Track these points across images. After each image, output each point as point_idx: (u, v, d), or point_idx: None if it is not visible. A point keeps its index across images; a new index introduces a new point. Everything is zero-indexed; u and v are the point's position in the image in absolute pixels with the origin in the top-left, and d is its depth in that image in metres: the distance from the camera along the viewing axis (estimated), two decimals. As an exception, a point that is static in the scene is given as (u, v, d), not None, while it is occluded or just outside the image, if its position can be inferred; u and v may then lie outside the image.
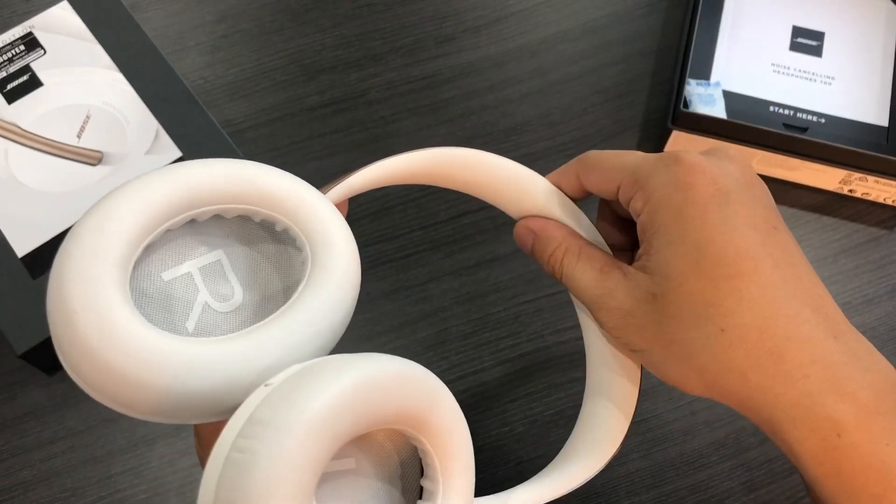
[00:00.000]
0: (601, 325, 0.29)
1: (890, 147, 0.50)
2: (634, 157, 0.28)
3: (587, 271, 0.29)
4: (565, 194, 0.32)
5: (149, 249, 0.26)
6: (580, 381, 0.48)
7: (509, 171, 0.33)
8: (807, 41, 0.54)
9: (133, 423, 0.46)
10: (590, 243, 0.31)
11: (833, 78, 0.53)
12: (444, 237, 0.51)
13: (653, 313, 0.26)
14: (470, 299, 0.49)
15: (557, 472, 0.32)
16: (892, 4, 0.55)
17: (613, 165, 0.29)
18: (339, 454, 0.24)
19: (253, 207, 0.27)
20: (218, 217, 0.28)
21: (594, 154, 0.30)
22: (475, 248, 0.51)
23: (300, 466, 0.20)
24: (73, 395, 0.47)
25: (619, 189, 0.28)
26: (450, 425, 0.25)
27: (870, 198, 0.52)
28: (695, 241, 0.25)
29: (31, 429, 0.46)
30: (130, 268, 0.24)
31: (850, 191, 0.52)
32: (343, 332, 0.27)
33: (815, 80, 0.53)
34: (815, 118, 0.51)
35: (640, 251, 0.28)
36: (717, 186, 0.26)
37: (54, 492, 0.45)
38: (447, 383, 0.49)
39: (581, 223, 0.32)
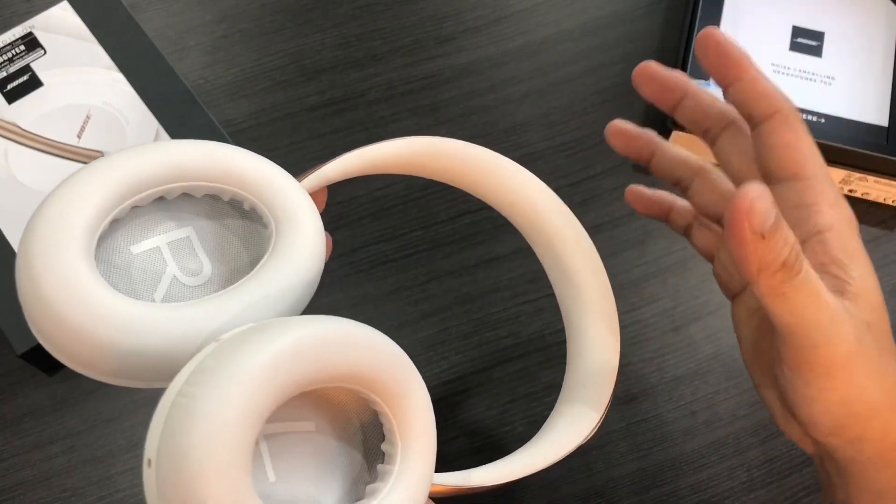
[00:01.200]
0: (837, 348, 0.24)
1: (890, 147, 0.50)
2: (816, 156, 0.27)
3: (817, 296, 0.24)
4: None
5: (116, 224, 0.27)
6: (580, 381, 0.48)
7: (481, 158, 0.33)
8: (807, 41, 0.54)
9: (133, 423, 0.46)
10: None
11: (833, 78, 0.53)
12: (444, 237, 0.51)
13: (874, 345, 0.24)
14: (470, 299, 0.49)
15: (528, 452, 0.32)
16: (892, 4, 0.55)
17: (801, 151, 0.27)
18: (298, 416, 0.25)
19: (220, 185, 0.28)
20: (187, 195, 0.28)
21: (791, 121, 0.27)
22: (475, 248, 0.51)
23: (241, 411, 0.21)
24: (74, 395, 0.47)
25: (795, 174, 0.26)
26: (406, 389, 0.25)
27: (870, 198, 0.52)
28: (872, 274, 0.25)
29: (30, 429, 0.46)
30: (96, 239, 0.25)
31: (851, 191, 0.52)
32: (304, 305, 0.28)
33: (814, 81, 0.53)
34: (814, 118, 0.51)
35: (821, 274, 0.24)
36: None
37: (54, 492, 0.45)
38: (447, 383, 0.49)
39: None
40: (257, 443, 0.24)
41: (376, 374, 0.24)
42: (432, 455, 0.26)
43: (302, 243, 0.28)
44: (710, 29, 0.27)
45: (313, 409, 0.26)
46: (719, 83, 0.28)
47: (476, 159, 0.33)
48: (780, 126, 0.26)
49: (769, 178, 0.27)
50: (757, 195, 0.20)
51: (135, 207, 0.27)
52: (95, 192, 0.25)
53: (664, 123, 0.52)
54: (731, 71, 0.27)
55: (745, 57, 0.27)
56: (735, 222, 0.21)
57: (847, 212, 0.26)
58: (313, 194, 0.31)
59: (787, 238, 0.21)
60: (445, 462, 0.46)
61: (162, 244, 0.28)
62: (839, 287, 0.24)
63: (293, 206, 0.28)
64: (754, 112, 0.27)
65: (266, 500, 0.23)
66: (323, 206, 0.34)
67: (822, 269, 0.24)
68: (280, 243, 0.27)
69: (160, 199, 0.27)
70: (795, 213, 0.25)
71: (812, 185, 0.26)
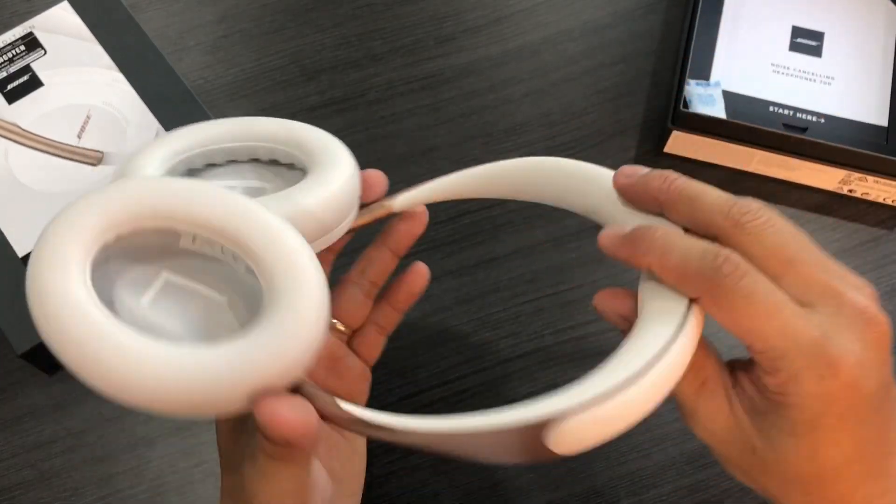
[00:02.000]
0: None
1: (890, 147, 0.50)
2: (799, 330, 0.24)
3: (710, 401, 0.28)
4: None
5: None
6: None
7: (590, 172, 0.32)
8: (806, 41, 0.54)
9: (133, 422, 0.46)
10: None
11: (833, 78, 0.53)
12: (444, 237, 0.51)
13: (749, 460, 0.27)
14: (470, 299, 0.49)
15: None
16: (891, 5, 0.56)
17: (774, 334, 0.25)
18: (212, 284, 0.28)
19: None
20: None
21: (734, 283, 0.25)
22: (475, 248, 0.51)
23: (71, 231, 0.25)
24: (74, 395, 0.47)
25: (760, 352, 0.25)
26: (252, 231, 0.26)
27: (869, 198, 0.52)
28: (817, 445, 0.25)
29: (31, 428, 0.46)
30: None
31: (850, 191, 0.52)
32: None
33: (814, 81, 0.53)
34: (814, 118, 0.51)
35: (755, 398, 0.26)
36: (858, 406, 0.24)
37: (54, 492, 0.45)
38: (447, 383, 0.49)
39: None
40: (158, 274, 0.28)
41: (223, 222, 0.26)
42: (307, 292, 0.25)
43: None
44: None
45: (226, 284, 0.28)
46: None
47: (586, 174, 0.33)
48: (707, 306, 0.26)
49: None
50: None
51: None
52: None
53: (664, 124, 0.52)
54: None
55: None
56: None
57: (808, 389, 0.24)
58: (412, 212, 0.36)
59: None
60: (444, 459, 0.46)
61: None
62: (749, 408, 0.27)
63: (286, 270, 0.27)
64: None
65: (125, 314, 0.26)
66: (423, 224, 0.37)
67: (756, 409, 0.26)
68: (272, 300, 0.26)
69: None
70: (762, 377, 0.26)
71: (778, 363, 0.24)
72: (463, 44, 0.57)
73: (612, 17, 0.58)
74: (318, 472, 0.30)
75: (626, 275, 0.50)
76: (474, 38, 0.57)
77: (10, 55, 0.51)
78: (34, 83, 0.50)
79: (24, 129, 0.49)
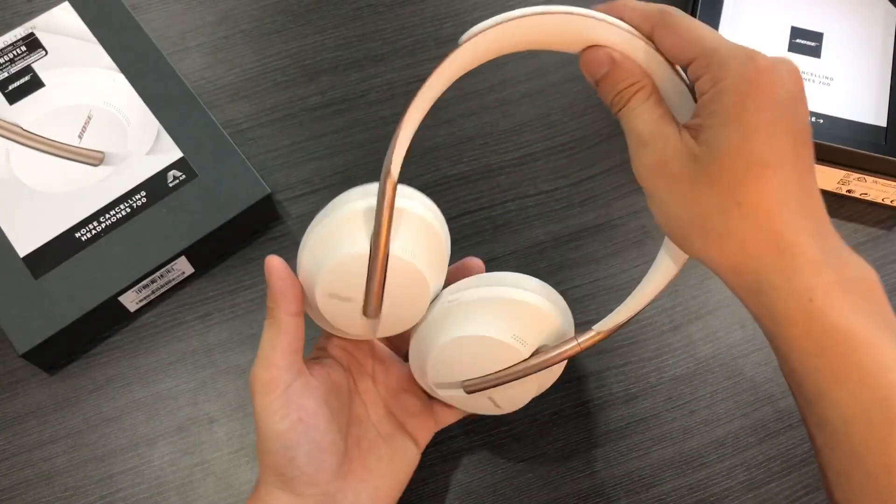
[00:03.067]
0: (637, 161, 0.32)
1: (888, 147, 0.51)
2: (713, 37, 0.31)
3: (652, 112, 0.32)
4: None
5: None
6: (579, 380, 0.48)
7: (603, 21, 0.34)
8: (805, 42, 0.54)
9: (134, 422, 0.46)
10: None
11: (832, 78, 0.53)
12: (444, 237, 0.51)
13: (689, 171, 0.30)
14: (470, 299, 0.50)
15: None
16: (890, 5, 0.56)
17: (695, 38, 0.31)
18: None
19: None
20: None
21: (678, 15, 0.32)
22: (475, 248, 0.51)
23: None
24: (75, 395, 0.47)
25: (692, 61, 0.31)
26: None
27: (868, 198, 0.52)
28: (745, 129, 0.29)
29: (32, 428, 0.46)
30: None
31: (849, 191, 0.52)
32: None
33: (813, 81, 0.53)
34: (813, 118, 0.51)
35: (693, 121, 0.31)
36: (775, 93, 0.29)
37: (55, 491, 0.45)
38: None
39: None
40: None
41: None
42: None
43: None
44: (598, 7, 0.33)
45: None
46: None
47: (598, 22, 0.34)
48: (663, 31, 0.32)
49: (684, 63, 0.32)
50: (592, 54, 0.33)
51: None
52: None
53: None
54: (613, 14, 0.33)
55: (622, 2, 0.33)
56: (586, 68, 0.34)
57: (734, 74, 0.30)
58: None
59: (613, 86, 0.33)
60: (444, 458, 0.47)
61: None
62: (693, 131, 0.31)
63: None
64: (648, 35, 0.33)
65: None
66: None
67: (695, 130, 0.31)
68: None
69: None
70: (696, 86, 0.31)
71: (701, 59, 0.31)
72: (463, 44, 0.57)
73: (611, 18, 0.58)
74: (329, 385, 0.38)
75: (626, 274, 0.51)
76: (474, 39, 0.57)
77: (11, 56, 0.51)
78: (35, 84, 0.50)
79: (25, 130, 0.49)
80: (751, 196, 0.29)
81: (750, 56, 0.30)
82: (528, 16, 0.32)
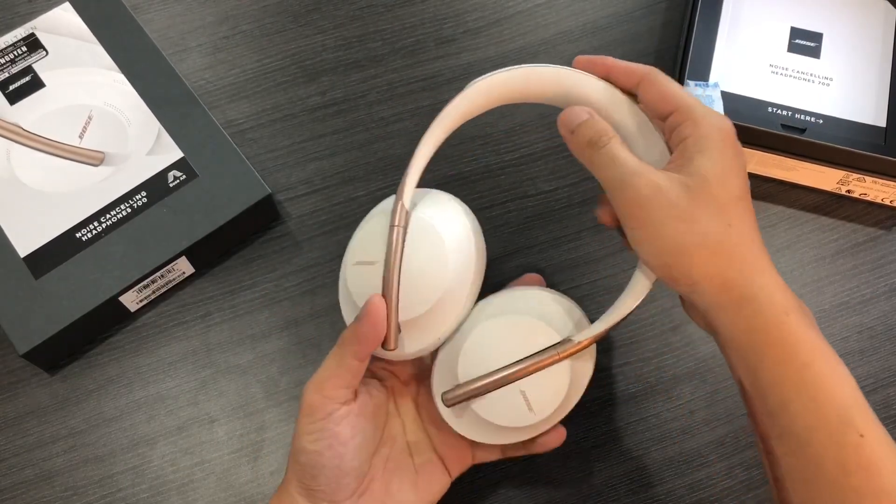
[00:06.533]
0: (627, 193, 0.35)
1: (888, 148, 0.51)
2: (690, 96, 0.37)
3: (629, 153, 0.36)
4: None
5: None
6: (579, 380, 0.48)
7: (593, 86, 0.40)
8: (805, 42, 0.54)
9: (134, 422, 0.46)
10: None
11: (831, 79, 0.53)
12: (444, 237, 0.51)
13: (685, 195, 0.34)
14: (470, 299, 0.50)
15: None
16: (889, 6, 0.56)
17: (676, 94, 0.37)
18: None
19: None
20: None
21: (661, 75, 0.38)
22: (475, 248, 0.51)
23: None
24: (75, 395, 0.47)
25: (671, 113, 0.36)
26: None
27: (867, 198, 0.53)
28: (724, 167, 0.35)
29: (32, 428, 0.46)
30: None
31: (848, 191, 0.52)
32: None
33: (813, 81, 0.53)
34: (813, 119, 0.52)
35: (674, 164, 0.36)
36: (737, 145, 0.36)
37: (56, 491, 0.45)
38: (447, 382, 0.47)
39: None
40: None
41: None
42: None
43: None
44: (579, 59, 0.41)
45: None
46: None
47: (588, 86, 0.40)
48: (648, 86, 0.37)
49: (662, 119, 0.37)
50: (571, 113, 0.38)
51: None
52: None
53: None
54: (597, 69, 0.40)
55: (604, 58, 0.40)
56: (560, 128, 0.38)
57: (710, 125, 0.35)
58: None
59: (593, 128, 0.37)
60: (445, 461, 0.46)
61: None
62: (675, 168, 0.35)
63: None
64: (631, 88, 0.39)
65: None
66: None
67: (677, 167, 0.35)
68: None
69: None
70: (674, 133, 0.36)
71: (681, 111, 0.36)
72: (463, 45, 0.57)
73: (611, 19, 0.58)
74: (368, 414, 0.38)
75: (626, 274, 0.51)
76: (474, 40, 0.57)
77: (11, 56, 0.51)
78: (36, 84, 0.51)
79: (25, 130, 0.49)
80: (735, 220, 0.34)
81: (718, 115, 0.36)
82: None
